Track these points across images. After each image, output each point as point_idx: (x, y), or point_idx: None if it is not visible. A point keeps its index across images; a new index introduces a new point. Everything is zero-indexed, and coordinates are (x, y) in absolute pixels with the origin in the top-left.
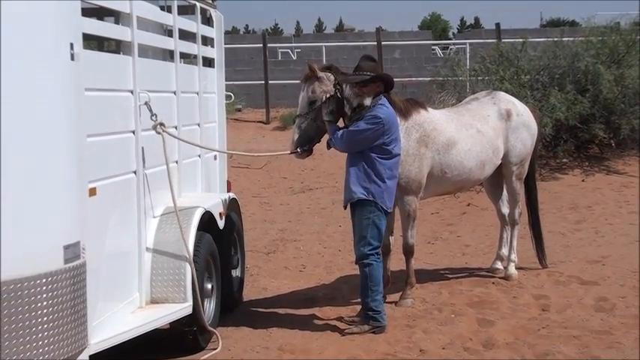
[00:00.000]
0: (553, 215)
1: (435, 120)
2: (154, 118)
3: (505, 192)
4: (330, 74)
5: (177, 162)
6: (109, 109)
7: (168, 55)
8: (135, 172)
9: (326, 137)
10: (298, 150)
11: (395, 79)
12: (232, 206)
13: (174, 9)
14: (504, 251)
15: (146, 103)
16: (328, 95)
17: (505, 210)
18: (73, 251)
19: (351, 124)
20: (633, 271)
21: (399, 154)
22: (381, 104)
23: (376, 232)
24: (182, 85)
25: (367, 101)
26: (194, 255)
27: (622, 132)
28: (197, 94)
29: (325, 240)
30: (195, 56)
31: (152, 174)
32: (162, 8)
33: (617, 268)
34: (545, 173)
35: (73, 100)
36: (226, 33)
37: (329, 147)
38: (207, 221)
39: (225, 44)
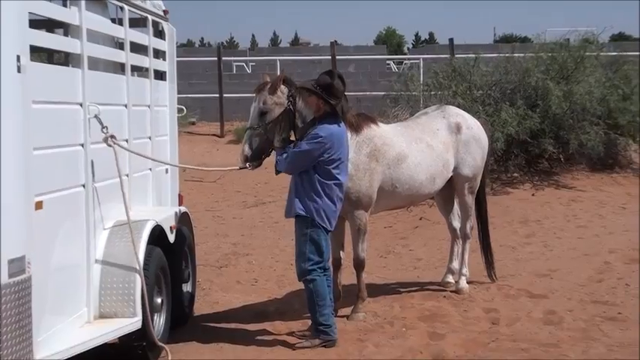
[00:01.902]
0: (504, 229)
1: (386, 134)
2: (104, 130)
3: (456, 206)
4: (283, 86)
5: (127, 175)
6: (57, 121)
7: (119, 67)
8: (84, 186)
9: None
10: (247, 165)
11: (349, 94)
12: (184, 220)
13: (126, 22)
14: (455, 265)
15: (96, 116)
16: (281, 110)
17: (456, 224)
18: (17, 265)
19: (296, 144)
20: (580, 285)
21: (341, 176)
22: (325, 124)
23: (314, 248)
24: (133, 98)
25: (307, 112)
26: (144, 269)
27: (571, 147)
28: (148, 107)
29: (277, 254)
30: (147, 69)
31: (102, 187)
32: (113, 21)
33: (565, 282)
34: (497, 187)
35: (20, 113)
36: (181, 46)
37: (277, 172)
38: (157, 235)
39: (179, 57)
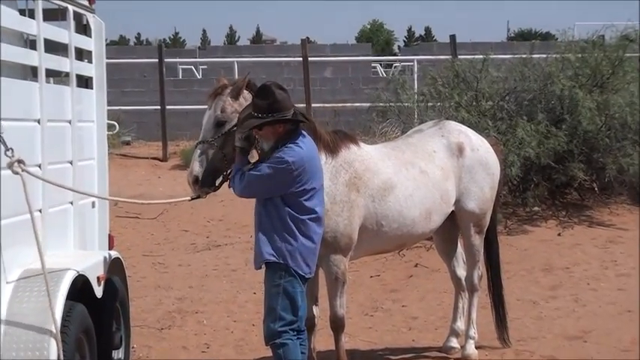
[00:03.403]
0: (522, 278)
1: (369, 158)
2: (9, 153)
3: (460, 249)
4: (246, 92)
5: (40, 211)
6: None
7: (29, 72)
8: None
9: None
10: (200, 195)
11: (325, 105)
12: (115, 268)
13: (39, 14)
14: (460, 325)
15: None
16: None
17: (461, 272)
18: None
19: (257, 165)
20: (623, 350)
21: (319, 207)
22: (293, 144)
23: (288, 304)
24: (49, 112)
25: (266, 146)
26: (62, 332)
27: (607, 173)
28: (69, 122)
29: (235, 311)
30: (67, 74)
31: (6, 226)
32: (22, 12)
33: (603, 346)
34: (512, 225)
35: None
36: (112, 44)
37: (230, 185)
38: (80, 288)
39: (110, 59)
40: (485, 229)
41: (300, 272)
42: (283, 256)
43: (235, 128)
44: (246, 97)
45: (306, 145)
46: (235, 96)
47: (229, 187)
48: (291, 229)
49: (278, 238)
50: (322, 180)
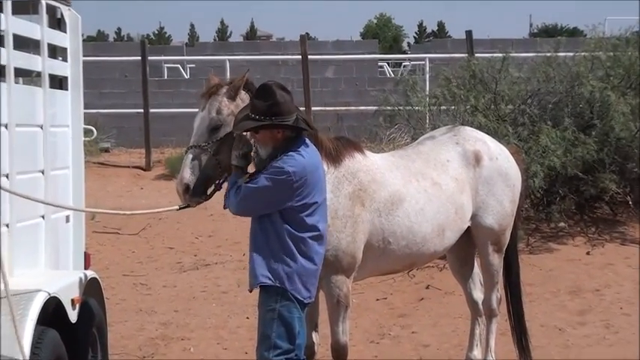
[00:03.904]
0: (546, 302)
1: (375, 168)
2: None
3: (477, 269)
4: (243, 92)
5: (8, 225)
6: None
7: None
8: None
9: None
10: (189, 204)
11: (326, 108)
12: (91, 289)
13: (7, 7)
14: (477, 354)
15: None
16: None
17: (478, 295)
18: None
19: (253, 177)
20: None
21: (321, 223)
22: (293, 153)
23: (284, 330)
24: (18, 115)
25: (264, 152)
26: None
27: None
28: (41, 127)
29: (226, 338)
30: (39, 73)
31: None
32: None
33: None
34: (535, 243)
35: None
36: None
37: (225, 206)
38: (52, 311)
39: (87, 56)
40: (504, 248)
41: (299, 297)
42: (280, 279)
43: (233, 132)
44: (244, 98)
45: (308, 154)
46: (232, 96)
47: (224, 207)
48: (289, 248)
49: (274, 259)
50: (325, 193)
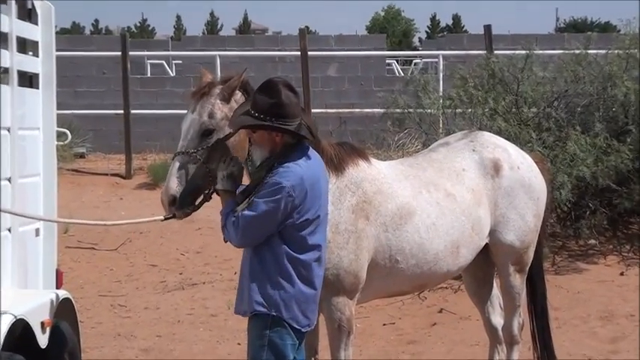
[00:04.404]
0: (575, 328)
1: (381, 177)
2: None
3: (496, 291)
4: (239, 92)
5: None
6: None
7: None
8: None
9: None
10: (175, 214)
11: (328, 110)
12: (64, 311)
13: None
14: None
15: None
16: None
17: (497, 320)
18: None
19: (250, 203)
20: None
21: (324, 244)
22: (290, 163)
23: (274, 359)
24: None
25: (258, 155)
26: None
27: None
28: (8, 130)
29: None
30: (7, 70)
31: None
32: None
33: None
34: (562, 262)
35: None
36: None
37: (225, 240)
38: (19, 335)
39: (60, 51)
40: (527, 267)
41: (296, 325)
42: (276, 306)
43: (225, 139)
44: (239, 100)
45: (307, 164)
46: (226, 98)
47: (225, 240)
48: (287, 272)
49: (270, 284)
50: (327, 206)
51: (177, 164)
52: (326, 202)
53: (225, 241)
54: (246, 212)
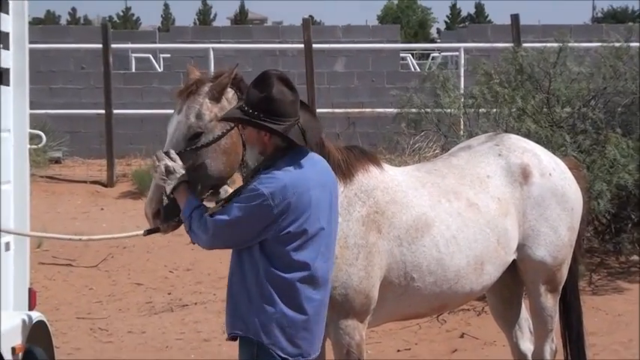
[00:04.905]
0: (615, 354)
1: (395, 185)
2: None
3: (525, 313)
4: (230, 90)
5: None
6: None
7: None
8: None
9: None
10: (160, 226)
11: (335, 110)
12: (37, 335)
13: None
14: None
15: None
16: (225, 131)
17: (526, 346)
18: None
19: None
20: None
21: (318, 261)
22: (275, 169)
23: None
24: None
25: (251, 157)
26: None
27: None
28: None
29: None
30: None
31: None
32: None
33: None
34: (600, 281)
35: None
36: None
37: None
38: None
39: (34, 44)
40: (560, 287)
41: (282, 354)
42: (254, 331)
43: (214, 143)
44: (231, 99)
45: (300, 171)
46: (216, 97)
47: (192, 242)
48: (267, 291)
49: (250, 304)
50: (331, 220)
51: None
52: (328, 215)
53: (193, 242)
54: (218, 216)
